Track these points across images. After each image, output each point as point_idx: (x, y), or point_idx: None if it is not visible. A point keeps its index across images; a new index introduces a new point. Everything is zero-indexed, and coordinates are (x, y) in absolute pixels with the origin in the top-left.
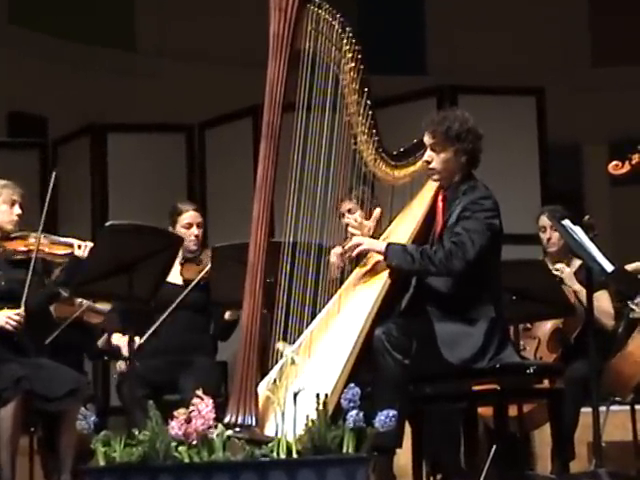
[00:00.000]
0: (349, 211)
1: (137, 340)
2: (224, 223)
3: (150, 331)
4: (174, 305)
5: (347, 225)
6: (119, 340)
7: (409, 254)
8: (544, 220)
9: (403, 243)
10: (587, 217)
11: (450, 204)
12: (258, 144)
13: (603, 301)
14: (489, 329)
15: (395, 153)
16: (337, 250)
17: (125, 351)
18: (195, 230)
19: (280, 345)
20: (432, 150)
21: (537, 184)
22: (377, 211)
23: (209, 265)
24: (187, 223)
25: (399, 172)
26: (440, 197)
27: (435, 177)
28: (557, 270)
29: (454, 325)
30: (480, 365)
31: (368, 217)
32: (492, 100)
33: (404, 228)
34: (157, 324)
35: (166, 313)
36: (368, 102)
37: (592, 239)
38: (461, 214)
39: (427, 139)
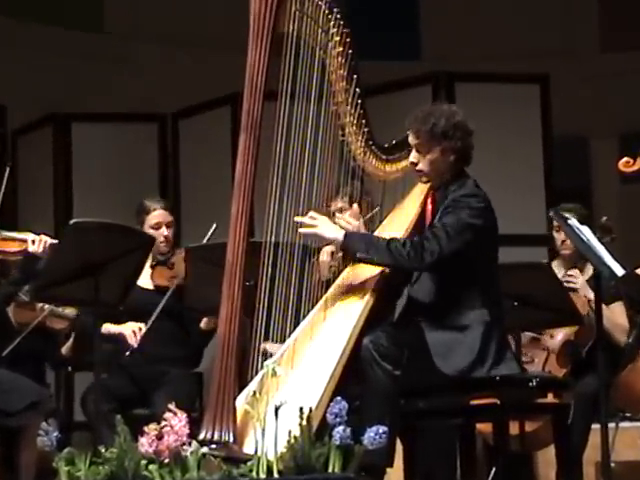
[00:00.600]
0: (340, 210)
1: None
2: (200, 222)
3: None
4: (157, 313)
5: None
6: (123, 328)
7: (373, 245)
8: None
9: (365, 232)
10: (605, 218)
11: (438, 205)
12: (237, 136)
13: (617, 314)
14: (485, 333)
15: (386, 146)
16: (328, 249)
17: (132, 340)
18: (165, 230)
19: (267, 345)
20: (417, 151)
21: (541, 181)
22: (355, 207)
23: (183, 272)
24: (156, 223)
25: (391, 167)
26: (430, 199)
27: (423, 179)
28: (570, 276)
29: (446, 333)
30: (479, 374)
31: (366, 213)
32: (492, 88)
33: (395, 225)
34: (144, 331)
35: (153, 316)
36: (357, 90)
37: (609, 242)
38: (443, 211)
39: (411, 139)
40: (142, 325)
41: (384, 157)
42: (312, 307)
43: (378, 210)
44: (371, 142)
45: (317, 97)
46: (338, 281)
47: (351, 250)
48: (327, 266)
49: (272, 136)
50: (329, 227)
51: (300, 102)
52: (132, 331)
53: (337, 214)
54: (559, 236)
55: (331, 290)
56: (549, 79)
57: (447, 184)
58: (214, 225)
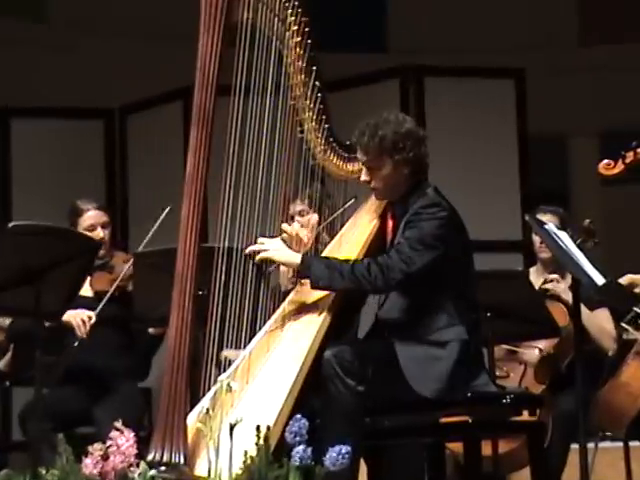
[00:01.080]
0: (300, 214)
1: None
2: (149, 225)
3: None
4: (104, 302)
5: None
6: (71, 317)
7: (336, 270)
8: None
9: (324, 256)
10: (587, 221)
11: (399, 222)
12: (189, 132)
13: (603, 320)
14: (462, 352)
15: (348, 143)
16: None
17: (81, 331)
18: (100, 232)
19: (226, 352)
20: (368, 168)
21: (516, 182)
22: (314, 218)
23: (123, 272)
24: (89, 225)
25: (353, 166)
26: (389, 214)
27: (378, 197)
28: (551, 282)
29: (421, 353)
30: (457, 395)
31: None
32: (464, 83)
33: (350, 245)
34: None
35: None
36: (317, 83)
37: (592, 247)
38: (405, 226)
39: (360, 157)
40: (91, 313)
41: (346, 155)
42: (269, 317)
43: (343, 209)
44: (332, 139)
45: (274, 91)
46: (296, 290)
47: (311, 278)
48: (287, 276)
49: (226, 133)
50: (282, 252)
51: (256, 96)
52: (81, 320)
53: (296, 217)
54: (537, 238)
55: (289, 299)
56: (524, 74)
57: (406, 197)
58: (167, 208)
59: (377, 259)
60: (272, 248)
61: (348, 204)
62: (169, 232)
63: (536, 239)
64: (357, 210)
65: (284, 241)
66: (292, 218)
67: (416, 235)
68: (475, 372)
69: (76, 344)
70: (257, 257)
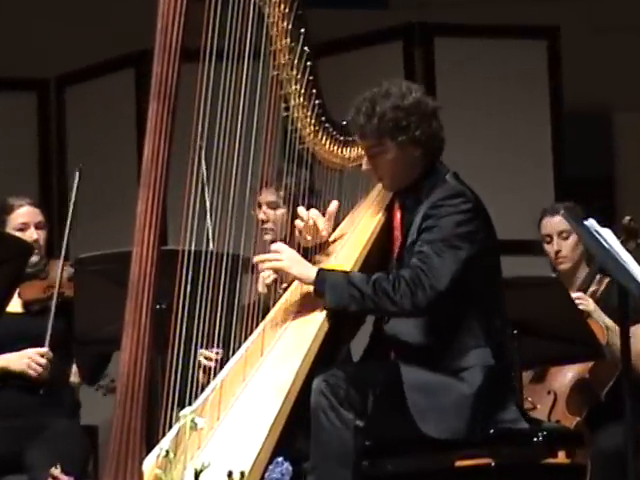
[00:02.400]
0: (269, 205)
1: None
2: (93, 222)
3: None
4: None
5: (263, 222)
6: (21, 364)
7: (355, 287)
8: (551, 224)
9: (344, 270)
10: (628, 219)
11: (410, 211)
12: (144, 109)
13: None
14: (487, 381)
15: (345, 123)
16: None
17: (37, 371)
18: (34, 233)
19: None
20: (369, 156)
21: (549, 169)
22: (333, 205)
23: (59, 274)
24: (21, 223)
25: (350, 151)
26: (397, 204)
27: (386, 188)
28: (577, 299)
29: (432, 375)
30: (476, 437)
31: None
32: (482, 45)
33: (348, 248)
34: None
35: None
36: (305, 49)
37: (634, 249)
38: (423, 224)
39: (358, 140)
40: (43, 350)
41: (342, 138)
42: (246, 337)
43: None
44: (324, 118)
45: (252, 58)
46: (280, 304)
47: (325, 298)
48: (264, 282)
49: (192, 110)
50: (299, 264)
51: (230, 64)
52: (36, 364)
53: (264, 208)
54: (551, 247)
55: (271, 315)
56: (559, 33)
57: (418, 184)
58: (77, 171)
59: (403, 273)
60: (286, 257)
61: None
62: (120, 231)
63: (549, 248)
64: (357, 204)
65: (299, 231)
66: (259, 207)
67: (439, 236)
68: (502, 404)
69: (42, 392)
70: (267, 266)
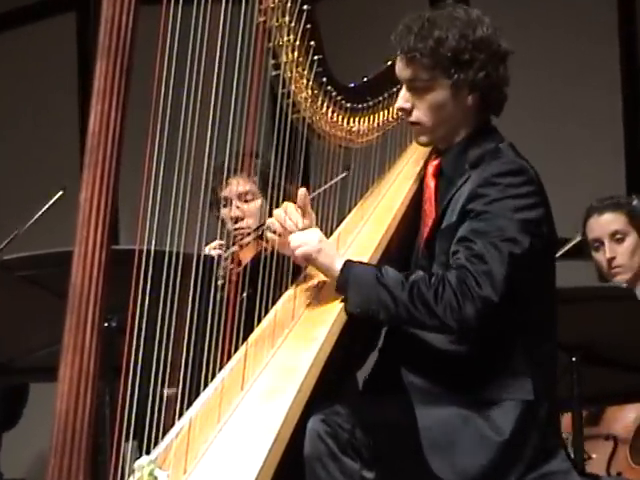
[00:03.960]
0: (240, 197)
1: None
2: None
3: None
4: None
5: (235, 220)
6: None
7: (386, 289)
8: (599, 224)
9: (370, 264)
10: None
11: (448, 183)
12: (87, 67)
13: None
14: (522, 417)
15: (352, 86)
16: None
17: None
18: None
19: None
20: (410, 89)
21: (620, 151)
22: (301, 193)
23: None
24: None
25: (360, 122)
26: (431, 170)
27: (421, 138)
28: None
29: (454, 410)
30: None
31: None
32: None
33: (367, 231)
34: None
35: None
36: None
37: None
38: (468, 206)
39: (400, 69)
40: None
41: (348, 105)
42: (223, 363)
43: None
44: (325, 79)
45: None
46: (269, 317)
47: (347, 299)
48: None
49: (154, 68)
50: (326, 250)
51: (202, 6)
52: None
53: (235, 202)
54: (602, 255)
55: (257, 333)
56: None
57: (461, 147)
58: (60, 192)
59: (449, 277)
60: (314, 240)
61: (340, 177)
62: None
63: (598, 257)
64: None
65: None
66: (226, 202)
67: (492, 227)
68: (545, 451)
69: None
70: (298, 252)
